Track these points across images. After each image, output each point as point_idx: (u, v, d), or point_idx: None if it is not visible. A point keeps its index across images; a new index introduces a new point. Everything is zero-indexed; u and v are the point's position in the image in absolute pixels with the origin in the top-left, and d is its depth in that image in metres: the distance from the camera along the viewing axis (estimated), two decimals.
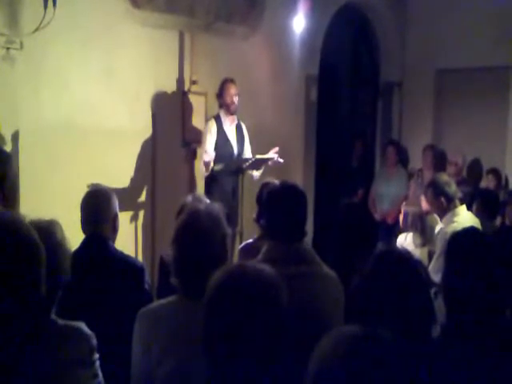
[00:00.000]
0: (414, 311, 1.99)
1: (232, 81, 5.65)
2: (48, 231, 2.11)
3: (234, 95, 5.62)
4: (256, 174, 5.66)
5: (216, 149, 5.56)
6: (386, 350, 1.28)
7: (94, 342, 2.07)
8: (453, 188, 4.47)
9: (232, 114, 5.69)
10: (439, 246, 4.31)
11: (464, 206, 4.48)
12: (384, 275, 2.03)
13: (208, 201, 3.44)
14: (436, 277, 3.19)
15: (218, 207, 2.32)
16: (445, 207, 4.43)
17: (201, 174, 5.71)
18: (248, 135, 5.91)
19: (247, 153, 5.86)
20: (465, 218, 4.36)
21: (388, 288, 2.00)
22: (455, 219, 4.33)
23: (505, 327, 2.16)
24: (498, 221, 5.35)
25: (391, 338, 1.31)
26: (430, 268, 4.11)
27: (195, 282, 2.12)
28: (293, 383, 1.56)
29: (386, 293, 1.99)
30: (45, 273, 1.79)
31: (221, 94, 5.67)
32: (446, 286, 2.28)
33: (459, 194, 4.60)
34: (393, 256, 2.13)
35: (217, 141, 5.62)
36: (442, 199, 4.42)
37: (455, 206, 4.43)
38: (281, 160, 5.52)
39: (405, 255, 2.15)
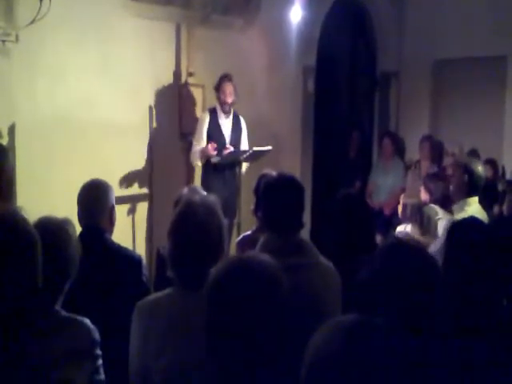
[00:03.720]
0: (422, 304, 1.96)
1: (229, 78, 5.65)
2: (60, 228, 2.15)
3: (228, 94, 5.65)
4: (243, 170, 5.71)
5: (208, 139, 5.61)
6: (382, 339, 1.27)
7: (97, 336, 2.09)
8: (481, 182, 4.38)
9: (225, 112, 5.71)
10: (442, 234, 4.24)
11: (476, 198, 4.34)
12: (395, 267, 1.99)
13: (204, 192, 3.43)
14: None
15: (213, 198, 2.32)
16: (464, 192, 4.31)
17: (192, 163, 5.76)
18: (246, 128, 5.91)
19: (244, 146, 5.87)
20: (474, 210, 4.27)
21: (399, 280, 1.95)
22: (466, 208, 4.26)
23: (503, 317, 2.16)
24: (496, 209, 5.35)
25: (388, 328, 1.30)
26: None
27: (191, 273, 2.12)
28: (292, 377, 1.55)
29: (395, 285, 1.95)
30: (41, 264, 1.80)
31: (217, 91, 5.70)
32: (445, 276, 2.28)
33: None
34: (404, 248, 2.09)
35: (210, 132, 5.66)
36: (468, 185, 4.32)
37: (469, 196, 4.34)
38: None
39: (416, 247, 2.11)
